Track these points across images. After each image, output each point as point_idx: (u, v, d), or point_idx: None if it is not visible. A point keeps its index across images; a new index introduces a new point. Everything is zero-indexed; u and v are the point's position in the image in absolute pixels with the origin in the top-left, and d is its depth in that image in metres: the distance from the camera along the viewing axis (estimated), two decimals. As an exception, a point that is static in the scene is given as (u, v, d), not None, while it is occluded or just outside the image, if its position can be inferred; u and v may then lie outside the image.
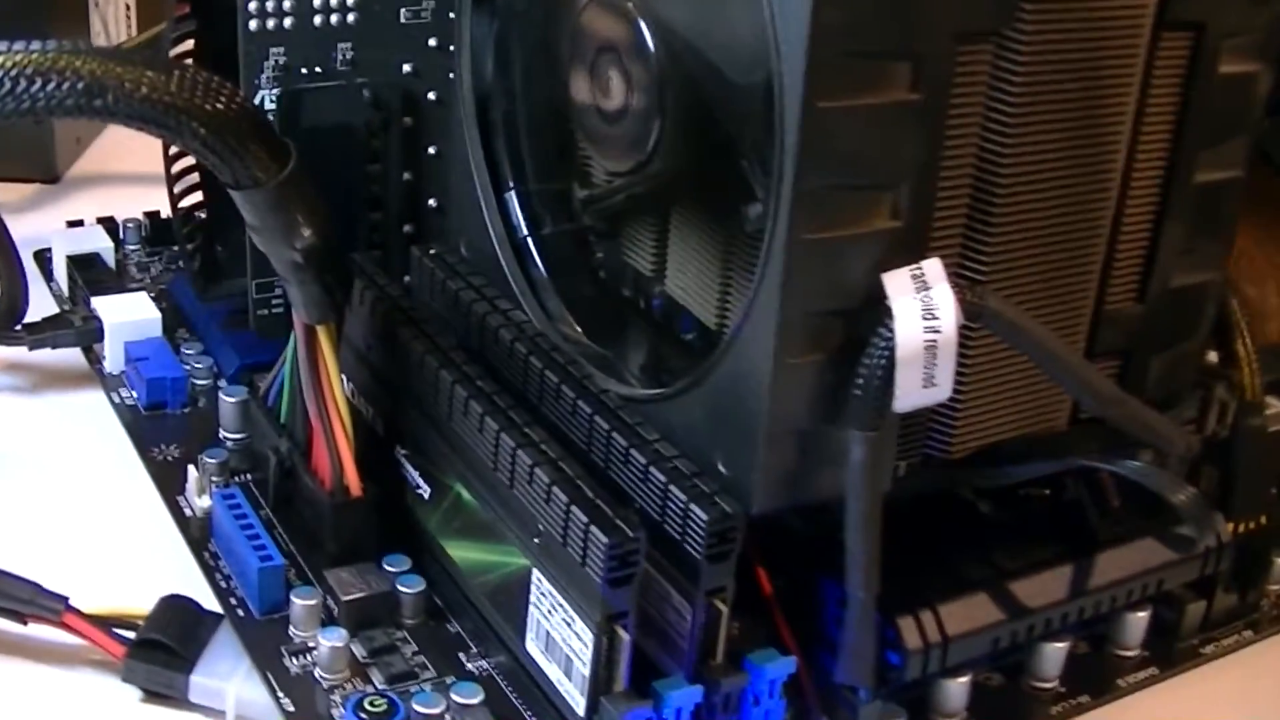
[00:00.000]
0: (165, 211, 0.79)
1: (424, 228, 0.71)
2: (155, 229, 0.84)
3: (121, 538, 0.63)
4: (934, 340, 0.46)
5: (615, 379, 0.55)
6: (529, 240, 0.62)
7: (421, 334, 0.58)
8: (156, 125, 0.49)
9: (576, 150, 0.63)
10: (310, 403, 0.57)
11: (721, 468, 0.50)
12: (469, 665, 0.55)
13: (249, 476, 0.64)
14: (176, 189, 0.71)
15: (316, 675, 0.54)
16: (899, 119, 0.46)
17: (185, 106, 0.49)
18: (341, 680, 0.53)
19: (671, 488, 0.49)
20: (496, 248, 0.61)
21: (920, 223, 0.48)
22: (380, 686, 0.53)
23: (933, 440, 0.53)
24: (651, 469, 0.50)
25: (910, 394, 0.47)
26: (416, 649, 0.55)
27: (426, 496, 0.58)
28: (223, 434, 0.67)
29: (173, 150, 0.71)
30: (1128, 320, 0.55)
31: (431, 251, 0.64)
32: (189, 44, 0.70)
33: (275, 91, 0.66)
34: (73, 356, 0.73)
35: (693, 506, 0.48)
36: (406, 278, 0.70)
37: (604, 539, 0.47)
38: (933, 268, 0.47)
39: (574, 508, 0.48)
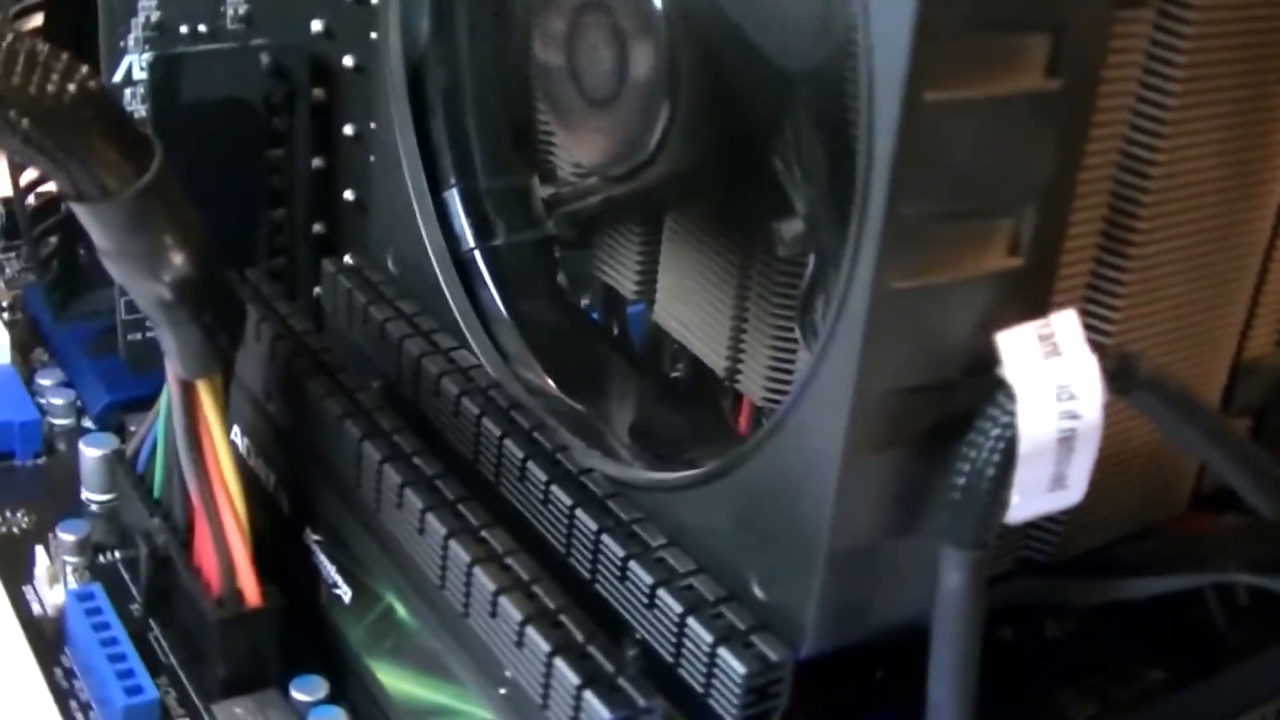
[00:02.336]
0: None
1: (339, 230, 0.56)
2: (13, 217, 0.68)
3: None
4: (1071, 429, 0.33)
5: (600, 450, 0.42)
6: (476, 254, 0.48)
7: (337, 388, 0.44)
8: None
9: (536, 134, 0.49)
10: (190, 481, 0.42)
11: (757, 590, 0.36)
12: (412, 829, 0.41)
13: (117, 555, 0.50)
14: (23, 179, 0.56)
15: None
16: (1030, 115, 0.32)
17: (3, 89, 0.35)
18: None
19: (691, 622, 0.36)
20: (434, 264, 0.47)
21: (1045, 260, 0.34)
22: None
23: (1032, 540, 0.40)
24: (661, 594, 0.36)
25: (1032, 500, 0.34)
26: (347, 805, 0.42)
27: (347, 600, 0.44)
28: (85, 495, 0.52)
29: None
30: (1270, 371, 0.42)
31: (349, 264, 0.50)
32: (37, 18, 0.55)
33: (146, 56, 0.51)
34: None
35: (722, 653, 0.35)
36: (317, 290, 0.56)
37: (606, 715, 0.33)
38: (1065, 324, 0.33)
39: (558, 661, 0.35)
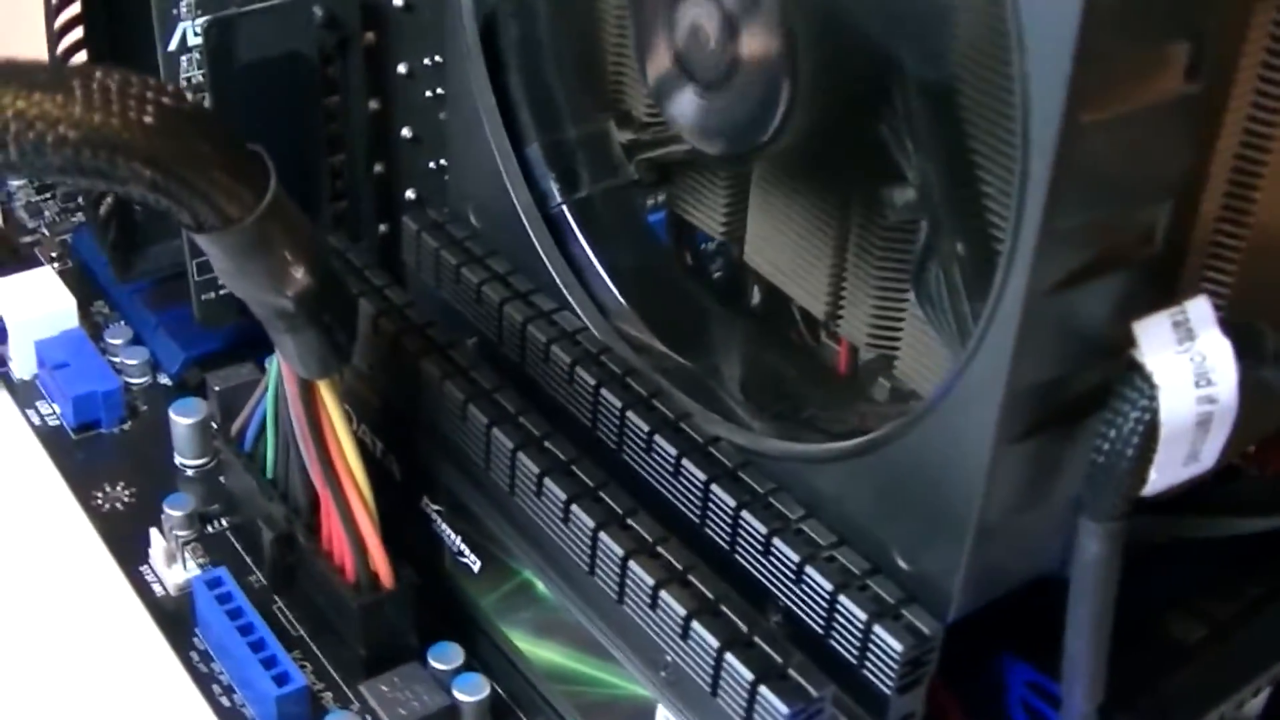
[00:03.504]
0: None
1: (398, 169, 0.56)
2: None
3: (68, 635, 0.48)
4: (1208, 412, 0.34)
5: (718, 413, 0.42)
6: (564, 208, 0.48)
7: (452, 368, 0.44)
8: (73, 175, 0.34)
9: (607, 74, 0.48)
10: (315, 474, 0.43)
11: (900, 561, 0.38)
12: (561, 790, 0.44)
13: (224, 524, 0.51)
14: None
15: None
16: (1172, 119, 0.32)
17: (114, 139, 0.34)
18: (406, 837, 0.42)
19: (843, 599, 0.37)
20: (525, 224, 0.47)
21: (1177, 248, 0.35)
22: (457, 839, 0.42)
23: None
24: (809, 570, 0.38)
25: (1168, 475, 0.35)
26: (494, 770, 0.44)
27: (475, 570, 0.45)
28: (179, 460, 0.53)
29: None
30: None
31: (432, 218, 0.50)
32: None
33: (200, 22, 0.50)
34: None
35: (878, 631, 0.36)
36: (383, 228, 0.56)
37: (783, 709, 0.35)
38: (1199, 310, 0.34)
39: (729, 656, 0.36)
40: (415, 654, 0.45)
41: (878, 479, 0.38)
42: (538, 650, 0.44)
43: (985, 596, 0.38)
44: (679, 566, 0.38)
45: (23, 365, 0.56)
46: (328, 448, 0.43)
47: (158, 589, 0.48)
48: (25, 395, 0.56)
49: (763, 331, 0.47)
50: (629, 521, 0.40)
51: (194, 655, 0.46)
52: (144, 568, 0.49)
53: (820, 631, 0.38)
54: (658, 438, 0.41)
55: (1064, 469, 0.36)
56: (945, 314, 0.40)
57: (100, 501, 0.51)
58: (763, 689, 0.35)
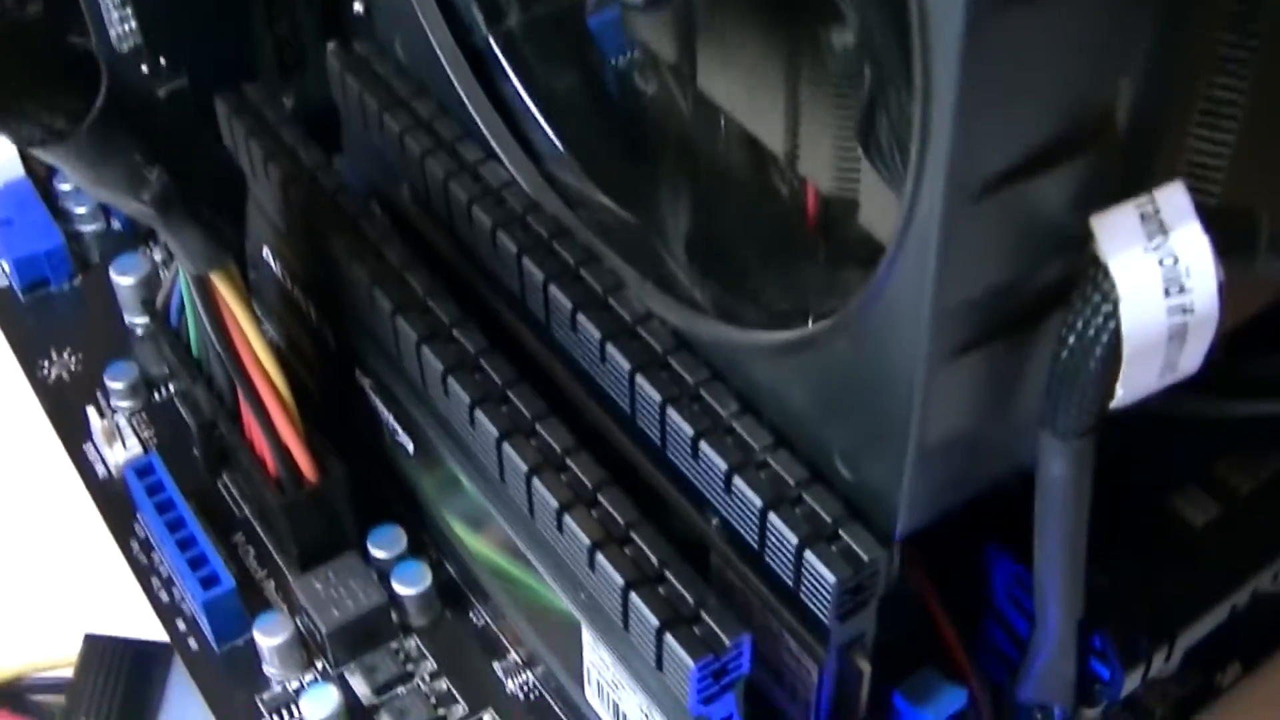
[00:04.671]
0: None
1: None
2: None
3: (13, 519, 0.46)
4: (1182, 324, 0.29)
5: (659, 282, 0.38)
6: (491, 41, 0.42)
7: (359, 245, 0.40)
8: None
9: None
10: (231, 371, 0.40)
11: (842, 467, 0.33)
12: (509, 684, 0.41)
13: (169, 390, 0.48)
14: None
15: (312, 748, 0.40)
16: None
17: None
18: (345, 745, 0.40)
19: (773, 519, 0.33)
20: (443, 61, 0.42)
21: (1150, 123, 0.29)
22: (398, 745, 0.40)
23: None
24: (737, 481, 0.34)
25: (1138, 388, 0.30)
26: (435, 666, 0.41)
27: (410, 451, 0.42)
28: (129, 320, 0.50)
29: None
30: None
31: (357, 53, 0.44)
32: None
33: None
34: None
35: (809, 559, 0.32)
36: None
37: (688, 662, 0.32)
38: (1173, 200, 0.28)
39: (634, 598, 0.33)
40: (355, 541, 0.42)
41: (811, 381, 0.33)
42: (475, 542, 0.40)
43: (941, 508, 0.34)
44: (588, 485, 0.34)
45: (-33, 225, 0.53)
46: (231, 341, 0.39)
47: (100, 469, 0.46)
48: (-27, 255, 0.53)
49: (717, 177, 0.41)
50: (538, 428, 0.35)
51: (134, 544, 0.44)
52: (87, 445, 0.47)
53: (754, 549, 0.34)
54: (581, 316, 0.37)
55: (1028, 374, 0.31)
56: (898, 173, 0.34)
57: (46, 371, 0.49)
58: (668, 638, 0.32)
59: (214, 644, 0.41)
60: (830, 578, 0.32)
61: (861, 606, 0.33)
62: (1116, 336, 0.29)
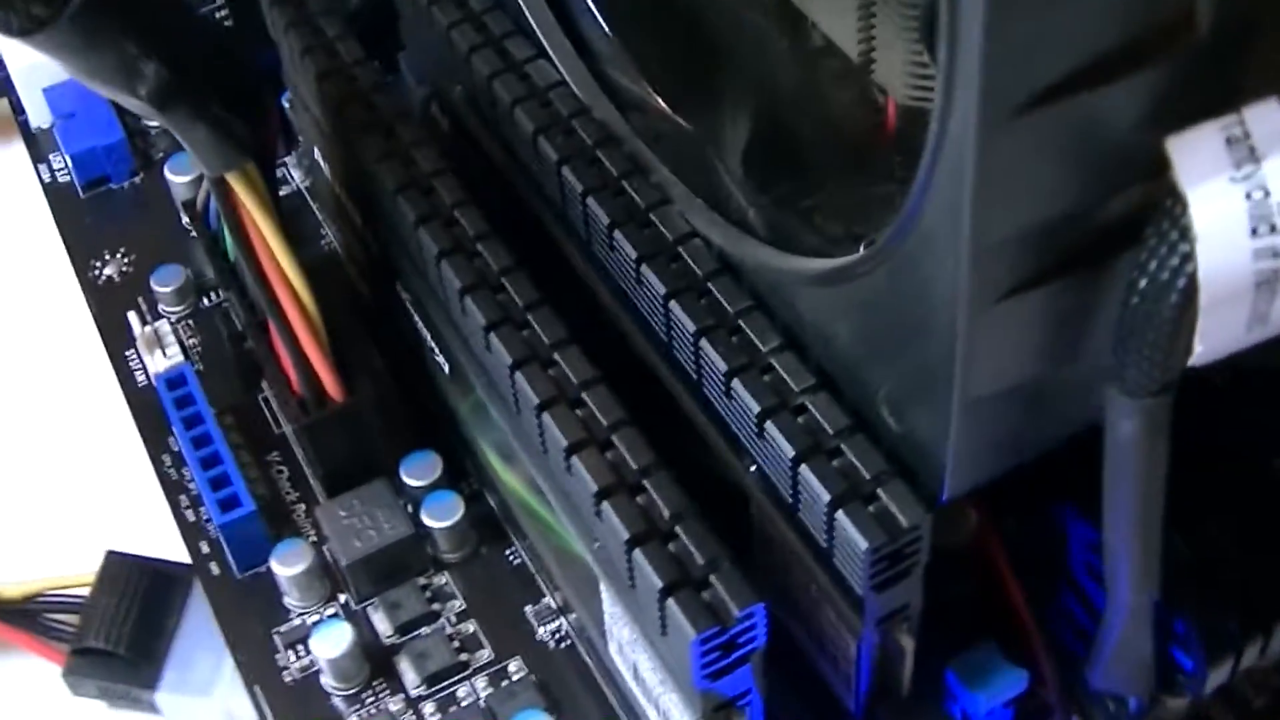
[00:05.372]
0: None
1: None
2: None
3: (46, 426, 0.44)
4: (1274, 268, 0.24)
5: (710, 198, 0.34)
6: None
7: (386, 141, 0.37)
8: None
9: None
10: (250, 277, 0.37)
11: (888, 416, 0.29)
12: (540, 631, 0.38)
13: (220, 296, 0.45)
14: None
15: (323, 685, 0.37)
16: None
17: None
18: (358, 687, 0.37)
19: (804, 470, 0.29)
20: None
21: (1236, 30, 0.24)
22: (414, 690, 0.37)
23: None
24: (769, 428, 0.30)
25: (1221, 343, 0.25)
26: (464, 606, 0.38)
27: (446, 371, 0.39)
28: (185, 221, 0.47)
29: None
30: None
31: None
32: None
33: None
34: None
35: (841, 520, 0.29)
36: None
37: (689, 632, 0.28)
38: (1267, 121, 0.23)
39: (638, 555, 0.29)
40: (387, 468, 0.39)
41: (854, 317, 0.29)
42: (507, 475, 0.37)
43: (996, 468, 0.29)
44: (604, 424, 0.31)
45: (38, 113, 0.51)
46: (251, 246, 0.36)
47: (140, 378, 0.44)
48: (42, 147, 0.51)
49: (781, 83, 0.37)
50: (556, 357, 0.32)
51: (166, 459, 0.42)
52: (130, 352, 0.45)
53: (789, 502, 0.30)
54: (618, 233, 0.33)
55: (1097, 322, 0.27)
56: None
57: (97, 272, 0.47)
58: (670, 603, 0.28)
59: (235, 570, 0.39)
60: (862, 543, 0.28)
61: (902, 576, 0.29)
62: (1193, 282, 0.24)
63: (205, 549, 0.40)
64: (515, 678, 0.37)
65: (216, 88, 0.33)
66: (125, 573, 0.39)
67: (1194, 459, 0.28)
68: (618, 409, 0.31)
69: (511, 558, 0.39)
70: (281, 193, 0.47)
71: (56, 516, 0.42)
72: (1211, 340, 0.25)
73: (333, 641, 0.36)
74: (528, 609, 0.38)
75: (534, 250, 0.37)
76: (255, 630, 0.38)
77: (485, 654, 0.37)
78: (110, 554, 0.40)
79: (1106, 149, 0.24)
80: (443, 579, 0.39)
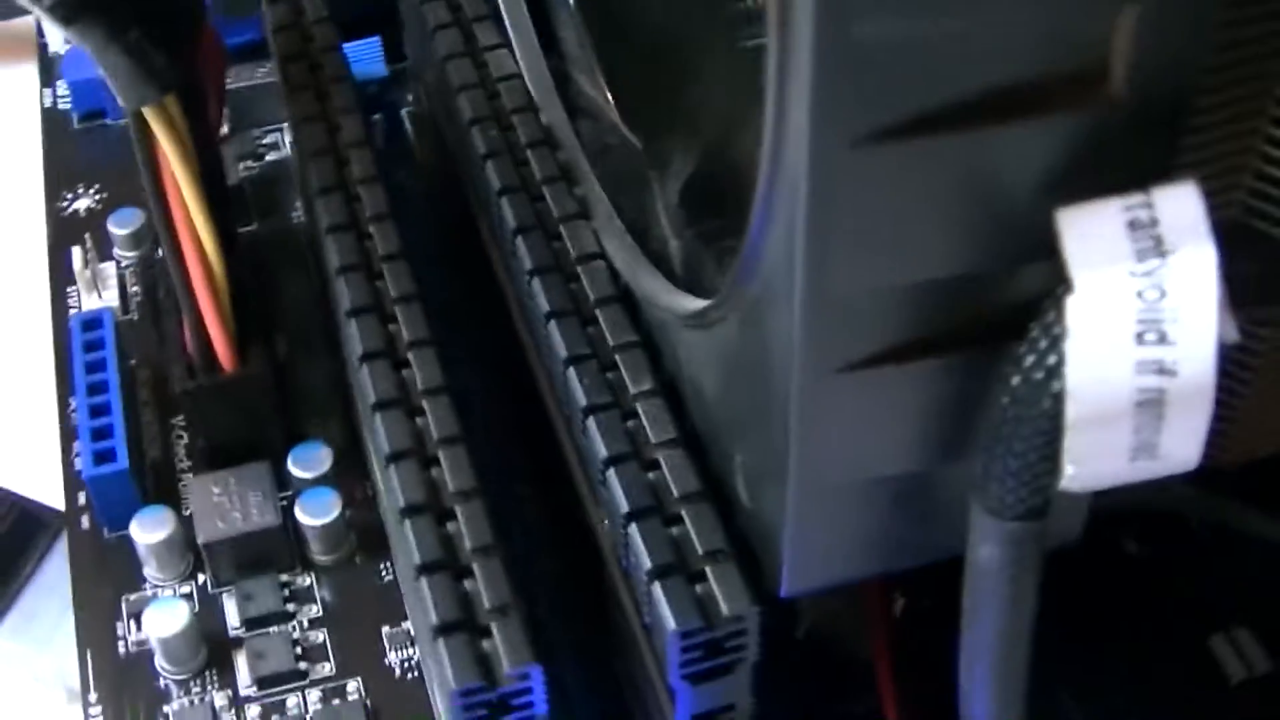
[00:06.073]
0: None
1: None
2: None
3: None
4: (1156, 390, 0.20)
5: (636, 226, 0.31)
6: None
7: (315, 110, 0.34)
8: None
9: None
10: (157, 223, 0.35)
11: (742, 489, 0.26)
12: (390, 656, 0.35)
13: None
14: None
15: (156, 664, 0.35)
16: None
17: None
18: (188, 674, 0.34)
19: (633, 530, 0.26)
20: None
21: (1158, 95, 0.20)
22: (245, 689, 0.34)
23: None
24: (611, 472, 0.26)
25: (1096, 469, 0.21)
26: (319, 612, 0.35)
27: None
28: (167, 167, 0.45)
29: None
30: None
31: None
32: None
33: None
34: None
35: (655, 592, 0.25)
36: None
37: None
38: (1177, 206, 0.20)
39: (425, 585, 0.26)
40: (279, 451, 0.36)
41: (716, 369, 0.26)
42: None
43: (860, 570, 0.26)
44: (435, 436, 0.27)
45: (56, 36, 0.50)
46: (162, 190, 0.34)
47: (73, 314, 0.42)
48: (51, 71, 0.49)
49: (746, 122, 0.34)
50: (409, 356, 0.29)
51: (71, 403, 0.39)
52: (72, 289, 0.43)
53: (621, 565, 0.27)
54: (520, 239, 0.30)
55: (976, 417, 0.23)
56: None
57: (66, 203, 0.45)
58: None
59: (105, 530, 0.37)
60: (670, 624, 0.25)
61: (722, 671, 0.26)
62: (1059, 390, 0.20)
63: (82, 501, 0.37)
64: (350, 698, 0.34)
65: (136, 8, 0.31)
66: (-4, 507, 0.37)
67: (1125, 615, 0.24)
68: (452, 424, 0.28)
69: (384, 573, 0.36)
70: (269, 158, 0.45)
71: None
72: (1083, 463, 0.21)
73: (166, 620, 0.33)
74: (384, 629, 0.35)
75: (466, 249, 0.34)
76: (105, 593, 0.36)
77: (327, 668, 0.34)
78: (-14, 490, 0.38)
79: (991, 211, 0.20)
80: (306, 580, 0.36)
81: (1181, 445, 0.21)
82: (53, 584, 0.37)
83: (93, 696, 0.34)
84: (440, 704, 0.27)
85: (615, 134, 0.33)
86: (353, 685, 0.34)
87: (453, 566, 0.26)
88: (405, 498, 0.26)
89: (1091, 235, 0.20)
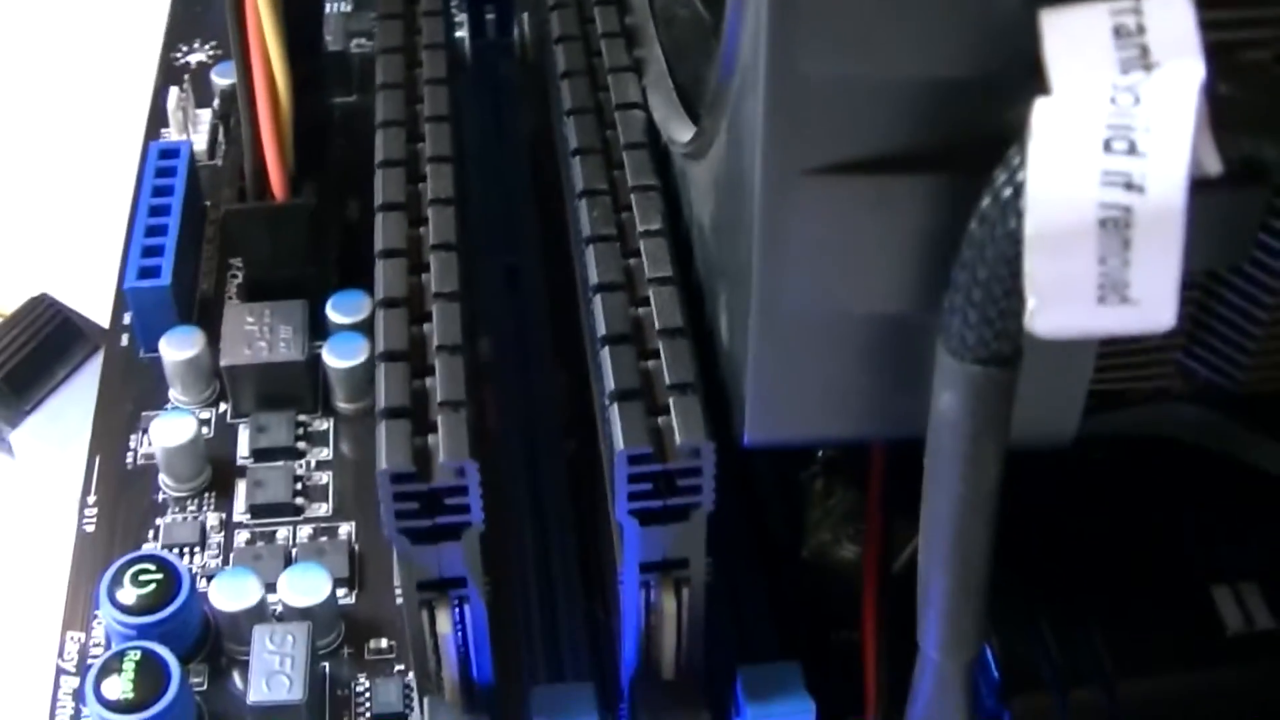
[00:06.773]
0: None
1: None
2: None
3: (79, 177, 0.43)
4: (1124, 204, 0.18)
5: (673, 74, 0.30)
6: None
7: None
8: None
9: None
10: (232, 44, 0.35)
11: (723, 328, 0.25)
12: (391, 507, 0.34)
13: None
14: None
15: (159, 479, 0.35)
16: None
17: None
18: (187, 492, 0.34)
19: (604, 353, 0.25)
20: None
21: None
22: (238, 515, 0.34)
23: (1210, 354, 0.25)
24: (596, 298, 0.25)
25: (1060, 306, 0.20)
26: (329, 455, 0.35)
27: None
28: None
29: None
30: None
31: None
32: None
33: None
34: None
35: (612, 413, 0.24)
36: None
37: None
38: (1166, 10, 0.18)
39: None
40: (317, 294, 0.36)
41: (710, 200, 0.25)
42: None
43: (827, 430, 0.24)
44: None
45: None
46: (245, 25, 0.34)
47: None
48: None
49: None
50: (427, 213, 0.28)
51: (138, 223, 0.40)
52: (166, 130, 0.43)
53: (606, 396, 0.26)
54: (564, 82, 0.30)
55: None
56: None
57: (180, 54, 0.46)
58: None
59: (141, 348, 0.37)
60: (619, 445, 0.23)
61: (675, 516, 0.25)
62: (1020, 209, 0.19)
63: (126, 320, 0.38)
64: (339, 536, 0.33)
65: None
66: (41, 312, 0.38)
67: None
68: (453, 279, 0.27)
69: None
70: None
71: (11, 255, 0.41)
72: (1048, 296, 0.19)
73: (173, 430, 0.34)
74: (389, 482, 0.35)
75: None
76: (126, 407, 0.36)
77: (323, 509, 0.34)
78: (41, 295, 0.38)
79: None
80: (324, 425, 0.36)
81: (1153, 288, 0.19)
82: (82, 395, 0.37)
83: (91, 499, 0.34)
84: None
85: (687, 5, 0.33)
86: (345, 528, 0.34)
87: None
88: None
89: (1074, 39, 0.18)
